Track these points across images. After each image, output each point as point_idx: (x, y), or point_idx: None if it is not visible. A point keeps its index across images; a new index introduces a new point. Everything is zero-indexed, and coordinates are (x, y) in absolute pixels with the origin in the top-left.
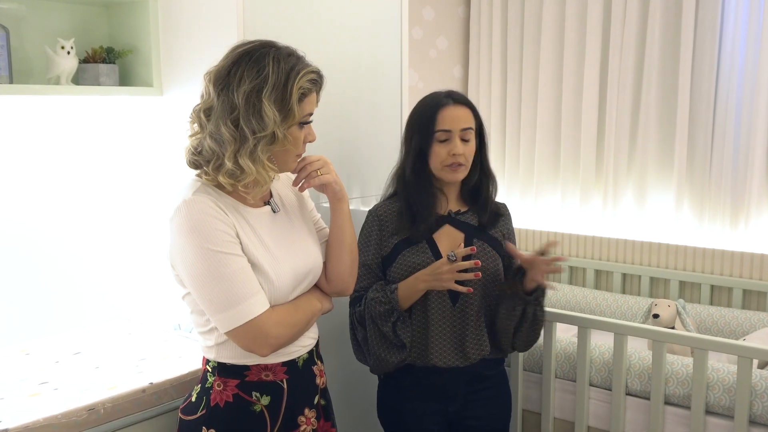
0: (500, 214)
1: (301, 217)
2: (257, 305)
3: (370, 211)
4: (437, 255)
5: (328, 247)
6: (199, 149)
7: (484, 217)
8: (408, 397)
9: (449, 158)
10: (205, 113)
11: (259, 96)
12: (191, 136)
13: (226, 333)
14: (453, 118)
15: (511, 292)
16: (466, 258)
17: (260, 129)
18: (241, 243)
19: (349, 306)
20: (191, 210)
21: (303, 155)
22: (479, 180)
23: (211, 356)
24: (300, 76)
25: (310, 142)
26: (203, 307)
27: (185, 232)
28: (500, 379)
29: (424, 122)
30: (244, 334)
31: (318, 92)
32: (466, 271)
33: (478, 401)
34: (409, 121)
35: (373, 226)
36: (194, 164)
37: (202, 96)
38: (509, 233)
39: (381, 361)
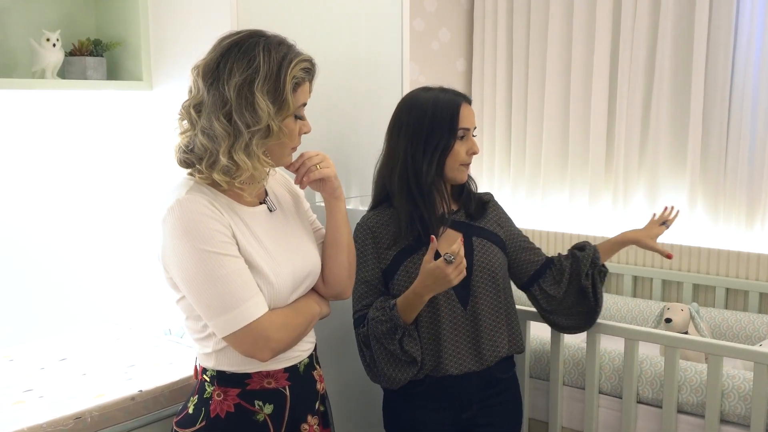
0: (485, 200)
1: (298, 216)
2: (256, 308)
3: (358, 224)
4: None
5: (324, 248)
6: (190, 147)
7: (471, 207)
8: (419, 406)
9: (466, 157)
10: (195, 109)
11: (251, 88)
12: (182, 133)
13: (224, 338)
14: (470, 116)
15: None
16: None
17: (254, 122)
18: (237, 243)
19: (353, 327)
20: (185, 210)
21: (299, 149)
22: None
23: (210, 364)
24: (293, 65)
25: (305, 133)
26: (199, 311)
27: (179, 233)
28: (512, 383)
29: (446, 120)
30: (243, 339)
31: (311, 81)
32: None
33: (491, 407)
34: (420, 119)
35: (366, 240)
36: (186, 163)
37: (191, 91)
38: (503, 219)
39: (391, 380)
